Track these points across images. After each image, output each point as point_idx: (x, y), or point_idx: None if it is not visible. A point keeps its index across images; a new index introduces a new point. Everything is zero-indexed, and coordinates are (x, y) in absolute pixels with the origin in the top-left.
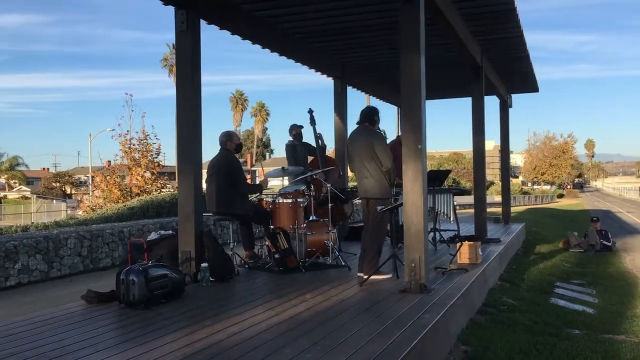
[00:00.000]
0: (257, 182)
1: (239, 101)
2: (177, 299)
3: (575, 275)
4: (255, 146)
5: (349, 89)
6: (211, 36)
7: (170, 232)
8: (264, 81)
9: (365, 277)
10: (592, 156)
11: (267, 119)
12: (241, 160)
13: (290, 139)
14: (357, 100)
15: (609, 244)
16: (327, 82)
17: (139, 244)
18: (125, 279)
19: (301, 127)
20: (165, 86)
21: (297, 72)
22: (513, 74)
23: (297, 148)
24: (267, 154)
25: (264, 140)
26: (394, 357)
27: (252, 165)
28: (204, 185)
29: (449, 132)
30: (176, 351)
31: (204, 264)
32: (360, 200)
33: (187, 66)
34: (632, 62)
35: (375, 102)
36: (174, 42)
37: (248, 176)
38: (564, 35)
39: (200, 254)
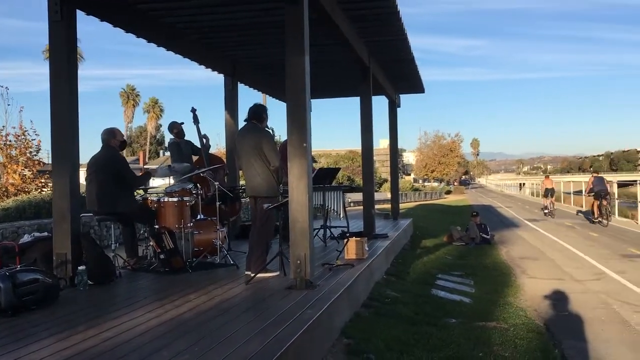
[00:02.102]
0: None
1: (130, 96)
2: (51, 305)
3: (456, 267)
4: (148, 143)
5: (246, 88)
6: (103, 27)
7: (46, 234)
8: (160, 76)
9: (252, 275)
10: (477, 154)
11: (161, 115)
12: (133, 157)
13: (172, 137)
14: (253, 99)
15: (488, 237)
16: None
17: (10, 247)
18: None
19: (182, 123)
20: (47, 79)
21: (194, 68)
22: (400, 75)
23: (181, 146)
24: (161, 151)
25: (157, 137)
26: (272, 354)
27: (144, 164)
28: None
29: (346, 130)
30: None
31: (82, 267)
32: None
33: (61, 58)
34: (518, 66)
35: (270, 100)
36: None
37: (140, 173)
38: (454, 40)
39: (78, 257)
